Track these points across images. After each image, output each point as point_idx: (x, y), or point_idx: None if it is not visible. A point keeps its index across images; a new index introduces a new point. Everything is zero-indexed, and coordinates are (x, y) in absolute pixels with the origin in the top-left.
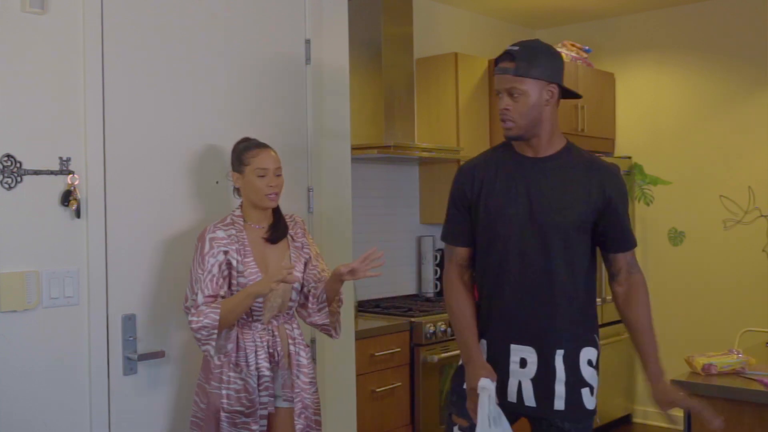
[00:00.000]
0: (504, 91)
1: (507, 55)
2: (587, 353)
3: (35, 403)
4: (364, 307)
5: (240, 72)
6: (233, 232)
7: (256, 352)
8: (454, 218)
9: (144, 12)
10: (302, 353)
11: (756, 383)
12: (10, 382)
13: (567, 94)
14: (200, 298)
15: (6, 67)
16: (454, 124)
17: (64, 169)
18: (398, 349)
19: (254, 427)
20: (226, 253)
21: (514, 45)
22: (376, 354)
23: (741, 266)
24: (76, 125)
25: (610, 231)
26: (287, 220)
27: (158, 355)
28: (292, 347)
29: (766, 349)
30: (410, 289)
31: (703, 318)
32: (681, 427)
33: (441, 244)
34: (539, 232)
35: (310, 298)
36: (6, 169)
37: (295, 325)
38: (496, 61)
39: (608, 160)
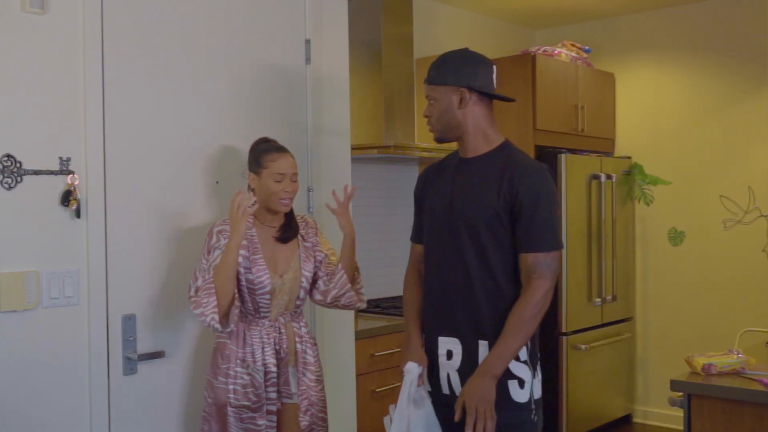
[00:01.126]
0: (426, 98)
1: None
2: None
3: (35, 403)
4: (364, 307)
5: (240, 72)
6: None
7: (263, 348)
8: (415, 217)
9: (144, 11)
10: (309, 351)
11: (756, 383)
12: (10, 381)
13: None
14: (200, 282)
15: (6, 67)
16: None
17: (64, 169)
18: (398, 349)
19: (260, 422)
20: None
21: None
22: (376, 354)
23: (741, 266)
24: (76, 125)
25: (516, 229)
26: (299, 220)
27: (158, 355)
28: (299, 345)
29: (766, 349)
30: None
31: (703, 318)
32: (681, 427)
33: None
34: (454, 229)
35: (323, 277)
36: (6, 169)
37: (302, 323)
38: None
39: (608, 160)
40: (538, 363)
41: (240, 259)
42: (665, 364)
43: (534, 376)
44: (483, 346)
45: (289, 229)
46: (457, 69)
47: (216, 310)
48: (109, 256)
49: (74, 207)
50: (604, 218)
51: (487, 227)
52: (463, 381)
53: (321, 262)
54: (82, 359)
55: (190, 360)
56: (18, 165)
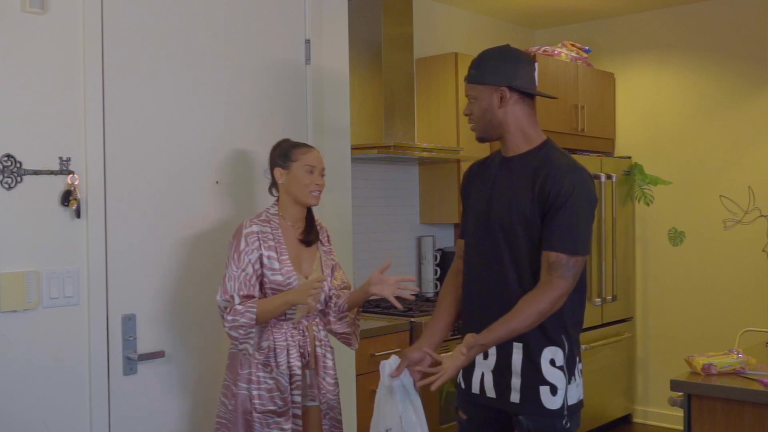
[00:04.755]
0: (467, 97)
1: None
2: (550, 352)
3: (35, 402)
4: (364, 307)
5: (240, 72)
6: (269, 229)
7: (287, 351)
8: (462, 214)
9: (144, 11)
10: (328, 355)
11: (756, 383)
12: (10, 382)
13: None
14: (237, 299)
15: (6, 67)
16: (454, 124)
17: (64, 169)
18: (398, 349)
19: (286, 426)
20: (260, 249)
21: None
22: (376, 354)
23: (741, 266)
24: (76, 125)
25: (544, 227)
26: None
27: (158, 355)
28: (319, 348)
29: (766, 349)
30: None
31: (703, 318)
32: (681, 427)
33: (441, 244)
34: (491, 230)
35: (332, 307)
36: (6, 169)
37: (321, 327)
38: None
39: (608, 160)
40: (576, 368)
41: (265, 260)
42: (665, 364)
43: (570, 382)
44: (517, 347)
45: (311, 232)
46: (497, 67)
47: (254, 342)
48: (109, 256)
49: (74, 207)
50: (604, 218)
51: (522, 228)
52: (496, 382)
53: (333, 269)
54: (82, 359)
55: (190, 360)
56: (18, 165)
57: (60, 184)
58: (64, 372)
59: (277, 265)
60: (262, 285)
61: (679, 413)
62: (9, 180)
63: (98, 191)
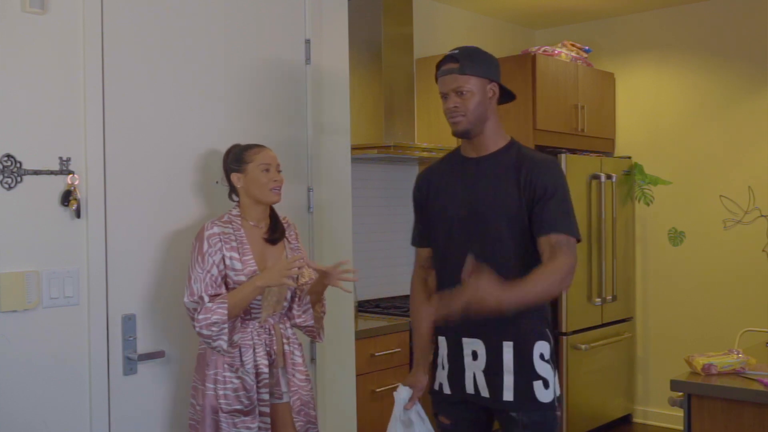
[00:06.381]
0: (451, 91)
1: (449, 58)
2: (540, 347)
3: (35, 402)
4: (364, 307)
5: (240, 72)
6: (230, 229)
7: (254, 350)
8: (415, 221)
9: (144, 11)
10: (296, 352)
11: (756, 383)
12: (10, 382)
13: (503, 97)
14: (206, 298)
15: (6, 67)
16: None
17: (64, 169)
18: (398, 349)
19: (253, 425)
20: (222, 250)
21: (454, 50)
22: (376, 354)
23: (741, 266)
24: (76, 125)
25: (534, 217)
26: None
27: (158, 355)
28: (286, 346)
29: (766, 349)
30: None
31: (703, 318)
32: (681, 427)
33: None
34: (474, 229)
35: (296, 300)
36: (6, 169)
37: (288, 325)
38: (438, 66)
39: (608, 160)
40: (555, 360)
41: (228, 261)
42: (665, 364)
43: (555, 374)
44: (507, 346)
45: (276, 230)
46: (489, 63)
47: (227, 338)
48: (109, 256)
49: (74, 207)
50: (604, 218)
51: (506, 225)
52: (488, 381)
53: (301, 267)
54: (82, 359)
55: (190, 360)
56: (18, 165)
57: (60, 184)
58: (64, 372)
59: (239, 266)
60: (226, 286)
61: (679, 413)
62: (9, 180)
63: (98, 191)
